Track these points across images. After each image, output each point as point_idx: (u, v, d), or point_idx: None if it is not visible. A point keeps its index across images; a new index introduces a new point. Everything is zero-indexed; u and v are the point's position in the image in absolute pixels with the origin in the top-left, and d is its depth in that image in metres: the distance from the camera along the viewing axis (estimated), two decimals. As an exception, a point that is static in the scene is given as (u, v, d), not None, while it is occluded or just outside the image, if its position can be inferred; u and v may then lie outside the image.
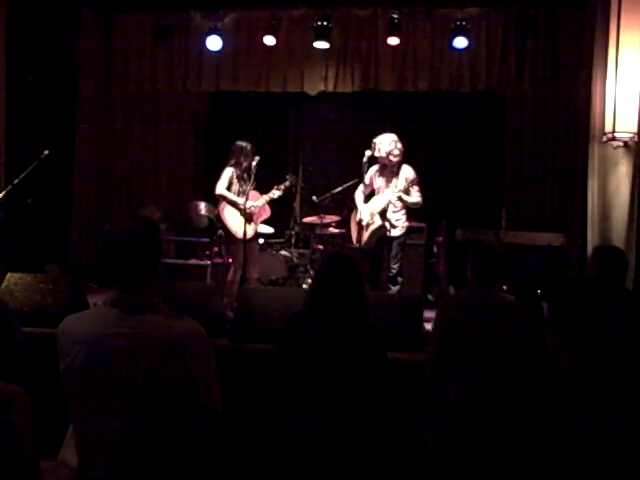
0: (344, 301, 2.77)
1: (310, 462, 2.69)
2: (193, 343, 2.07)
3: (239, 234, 6.01)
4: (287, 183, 6.32)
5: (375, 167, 6.03)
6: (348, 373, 2.70)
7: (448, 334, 3.44)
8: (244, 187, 6.06)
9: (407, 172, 5.86)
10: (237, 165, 6.05)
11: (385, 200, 5.84)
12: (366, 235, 5.93)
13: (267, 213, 6.21)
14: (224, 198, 6.08)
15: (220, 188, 6.06)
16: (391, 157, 5.82)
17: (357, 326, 2.79)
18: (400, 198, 5.80)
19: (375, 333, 2.82)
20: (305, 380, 2.73)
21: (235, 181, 6.08)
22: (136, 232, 2.05)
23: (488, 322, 3.38)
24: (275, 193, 6.18)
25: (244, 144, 6.08)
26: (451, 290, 6.86)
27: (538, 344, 3.56)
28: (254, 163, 5.99)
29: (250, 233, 6.01)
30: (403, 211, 5.96)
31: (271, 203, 6.26)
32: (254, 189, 6.07)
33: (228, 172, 6.08)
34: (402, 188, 5.78)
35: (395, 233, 5.93)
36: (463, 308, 3.48)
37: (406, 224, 6.03)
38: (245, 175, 6.06)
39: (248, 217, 5.98)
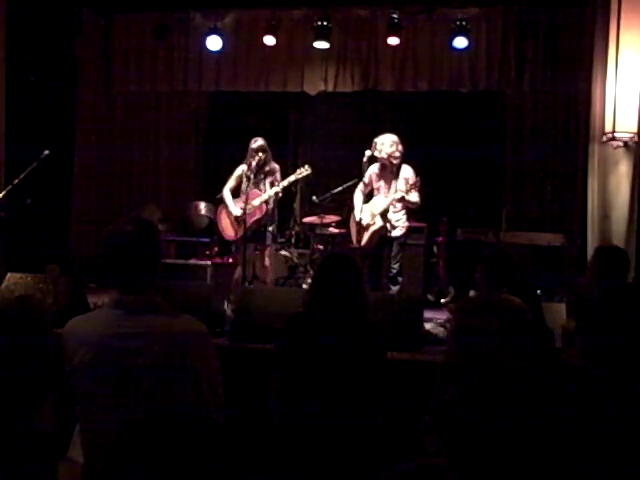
0: (344, 301, 2.77)
1: (308, 460, 2.68)
2: (196, 341, 2.09)
3: (226, 234, 6.16)
4: (284, 184, 6.21)
5: (375, 167, 6.01)
6: (348, 373, 2.70)
7: (462, 339, 3.43)
8: (256, 184, 6.08)
9: (407, 173, 5.87)
10: (247, 163, 6.07)
11: (386, 201, 5.84)
12: (366, 235, 5.93)
13: (261, 212, 6.10)
14: (224, 199, 6.16)
15: (224, 188, 6.16)
16: (391, 159, 5.83)
17: (357, 326, 2.79)
18: (402, 198, 5.80)
19: (375, 333, 2.82)
20: (305, 380, 2.73)
21: (244, 180, 6.09)
22: (136, 234, 2.07)
23: (498, 325, 3.36)
24: (270, 193, 6.10)
25: (252, 141, 6.07)
26: (451, 290, 6.86)
27: (538, 344, 3.55)
28: (254, 163, 5.99)
29: (239, 234, 6.05)
30: (403, 211, 5.96)
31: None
32: (256, 188, 6.07)
33: (238, 171, 6.13)
34: (404, 189, 5.79)
35: (396, 233, 5.93)
36: (476, 312, 3.46)
37: (406, 224, 6.03)
38: (251, 174, 6.08)
39: (236, 222, 6.02)
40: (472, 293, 6.65)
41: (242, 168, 6.11)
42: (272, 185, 6.07)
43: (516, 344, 3.32)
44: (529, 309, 3.47)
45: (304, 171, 6.21)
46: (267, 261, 6.22)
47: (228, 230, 6.22)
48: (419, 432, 3.37)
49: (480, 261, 3.50)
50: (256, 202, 6.02)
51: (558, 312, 4.46)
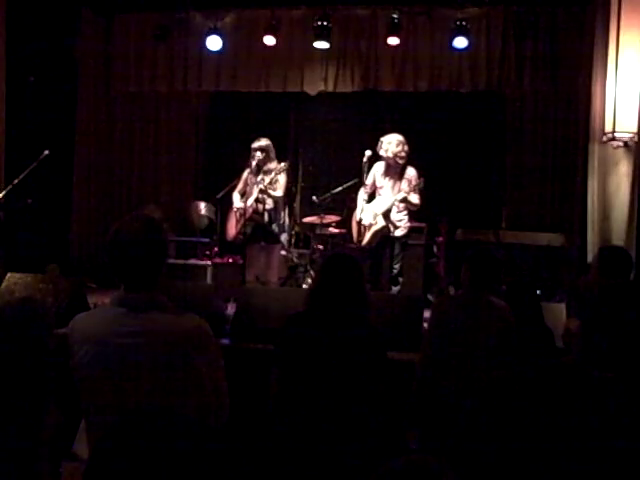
0: (345, 302, 2.77)
1: (308, 460, 2.68)
2: (199, 340, 2.09)
3: (228, 234, 6.25)
4: (266, 181, 6.13)
5: (380, 166, 6.00)
6: (348, 374, 2.70)
7: (441, 336, 3.43)
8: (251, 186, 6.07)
9: (411, 174, 5.88)
10: (249, 163, 6.08)
11: (389, 201, 5.85)
12: (368, 235, 5.93)
13: (252, 211, 6.07)
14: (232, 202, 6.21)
15: (234, 192, 6.18)
16: (397, 159, 5.85)
17: (358, 327, 2.79)
18: (405, 199, 5.81)
19: (376, 333, 2.81)
20: (305, 380, 2.73)
21: (249, 182, 6.10)
22: (142, 232, 2.08)
23: (479, 326, 3.36)
24: (255, 191, 6.06)
25: (255, 140, 6.07)
26: (451, 290, 6.85)
27: (539, 343, 3.55)
28: (253, 163, 6.00)
29: (233, 234, 6.10)
30: (405, 212, 5.97)
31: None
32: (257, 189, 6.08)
33: (244, 174, 6.14)
34: (409, 189, 5.80)
35: (398, 233, 5.94)
36: (456, 311, 3.46)
37: (408, 224, 6.03)
38: (252, 174, 6.07)
39: (238, 218, 6.02)
40: (452, 291, 6.69)
41: (246, 172, 6.14)
42: (271, 184, 6.06)
43: (494, 343, 3.32)
44: (512, 312, 3.47)
45: (283, 167, 6.15)
46: (272, 261, 6.24)
47: (230, 230, 6.22)
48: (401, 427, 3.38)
49: (464, 261, 3.51)
50: (249, 202, 6.02)
51: (558, 312, 4.46)
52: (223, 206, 6.67)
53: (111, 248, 2.09)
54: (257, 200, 6.00)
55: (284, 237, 6.54)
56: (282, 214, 6.28)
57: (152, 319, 2.06)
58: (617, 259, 3.51)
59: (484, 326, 3.36)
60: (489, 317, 3.40)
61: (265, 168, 6.04)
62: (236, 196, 6.16)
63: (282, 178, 6.06)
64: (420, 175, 5.91)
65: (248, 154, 6.13)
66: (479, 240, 6.64)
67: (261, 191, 5.95)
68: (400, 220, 5.94)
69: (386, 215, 5.87)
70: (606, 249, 3.87)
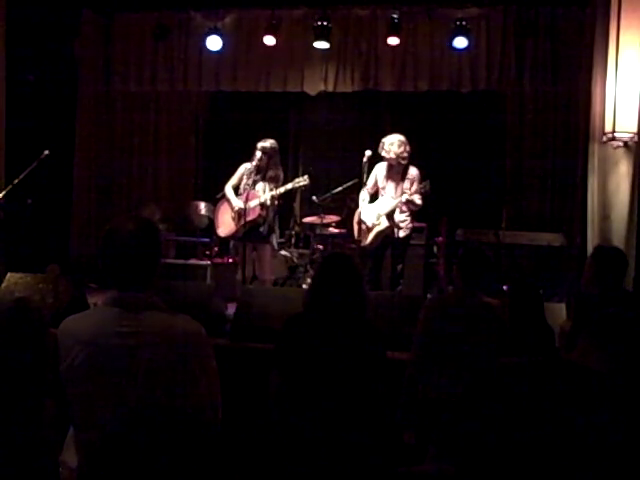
0: (343, 302, 2.77)
1: (308, 461, 2.68)
2: (193, 342, 2.07)
3: (219, 230, 6.18)
4: (280, 190, 6.16)
5: (382, 167, 6.00)
6: (348, 374, 2.70)
7: (432, 336, 3.41)
8: (250, 184, 6.06)
9: (414, 174, 5.88)
10: (251, 161, 6.07)
11: (393, 202, 5.85)
12: (370, 235, 5.93)
13: (255, 214, 5.99)
14: (224, 195, 6.17)
15: (227, 185, 6.15)
16: (400, 159, 5.85)
17: (357, 327, 2.79)
18: (410, 200, 5.81)
19: (375, 333, 2.81)
20: (305, 381, 2.73)
21: (245, 178, 6.09)
22: (136, 232, 2.06)
23: (471, 325, 3.35)
24: (266, 197, 6.06)
25: (261, 141, 6.06)
26: (451, 290, 6.85)
27: (541, 341, 3.56)
28: (254, 163, 5.99)
29: (230, 231, 6.08)
30: (408, 212, 5.97)
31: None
32: (253, 189, 6.06)
33: (241, 169, 6.12)
34: (413, 191, 5.80)
35: (401, 234, 5.94)
36: (448, 311, 3.45)
37: (410, 225, 6.03)
38: (253, 173, 6.07)
39: (237, 217, 6.00)
40: (451, 290, 6.67)
41: (245, 166, 6.11)
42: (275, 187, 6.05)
43: (485, 342, 3.31)
44: (505, 310, 3.45)
45: (302, 181, 6.11)
46: (264, 261, 6.22)
47: (223, 226, 6.19)
48: (397, 427, 3.37)
49: (457, 260, 3.50)
50: (252, 203, 5.99)
51: (558, 312, 4.46)
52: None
53: (105, 248, 2.07)
54: (262, 205, 6.00)
55: (274, 237, 6.52)
56: (271, 214, 6.26)
57: (146, 320, 2.04)
58: (612, 259, 3.51)
59: (476, 325, 3.35)
60: (481, 316, 3.39)
61: (271, 174, 6.02)
62: (230, 191, 6.13)
63: (290, 186, 6.07)
64: (423, 175, 5.90)
65: (248, 154, 6.12)
66: (479, 240, 6.64)
67: (272, 198, 5.97)
68: (403, 221, 5.94)
69: (389, 216, 5.87)
70: (601, 249, 3.87)
